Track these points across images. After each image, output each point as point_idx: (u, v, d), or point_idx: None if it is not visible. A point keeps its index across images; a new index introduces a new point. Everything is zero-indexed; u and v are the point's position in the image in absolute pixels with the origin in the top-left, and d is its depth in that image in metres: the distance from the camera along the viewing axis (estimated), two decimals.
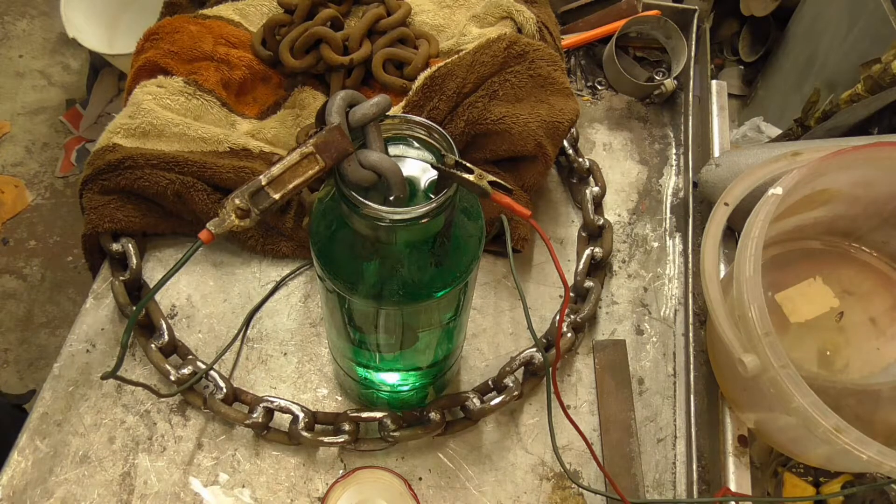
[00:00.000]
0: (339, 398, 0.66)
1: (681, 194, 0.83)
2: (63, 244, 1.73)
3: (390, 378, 0.59)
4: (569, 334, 0.67)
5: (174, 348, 0.66)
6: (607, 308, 0.73)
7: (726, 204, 0.60)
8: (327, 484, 0.61)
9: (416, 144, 0.44)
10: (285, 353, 0.68)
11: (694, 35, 0.94)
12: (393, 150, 0.43)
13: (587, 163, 0.80)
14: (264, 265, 0.73)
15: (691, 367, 0.68)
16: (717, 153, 0.82)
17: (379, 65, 0.81)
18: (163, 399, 0.64)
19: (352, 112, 0.41)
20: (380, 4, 0.84)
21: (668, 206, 0.82)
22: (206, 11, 0.84)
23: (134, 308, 0.67)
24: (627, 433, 0.65)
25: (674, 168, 0.85)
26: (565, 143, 0.81)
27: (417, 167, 0.43)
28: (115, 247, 0.70)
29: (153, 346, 0.64)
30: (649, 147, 0.87)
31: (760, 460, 0.65)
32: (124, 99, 0.76)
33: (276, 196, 0.40)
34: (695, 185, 0.80)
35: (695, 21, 0.95)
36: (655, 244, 0.79)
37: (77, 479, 0.60)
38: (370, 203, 0.38)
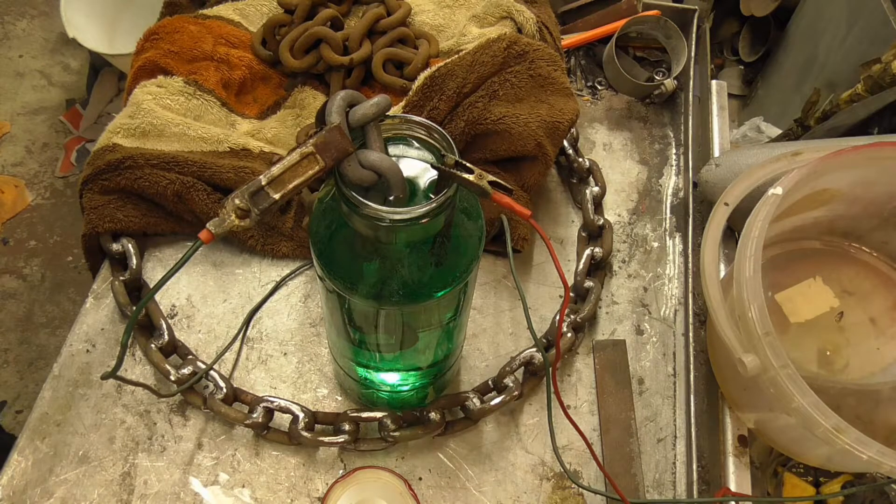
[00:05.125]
0: (339, 398, 0.66)
1: (681, 194, 0.83)
2: (63, 244, 1.73)
3: (390, 378, 0.59)
4: (569, 334, 0.67)
5: (174, 348, 0.66)
6: (607, 308, 0.73)
7: (726, 204, 0.60)
8: (327, 484, 0.61)
9: (416, 144, 0.44)
10: (285, 353, 0.68)
11: (694, 35, 0.94)
12: (393, 150, 0.43)
13: (587, 163, 0.80)
14: (264, 265, 0.73)
15: (691, 367, 0.68)
16: (717, 153, 0.82)
17: (379, 65, 0.81)
18: (163, 399, 0.64)
19: (352, 112, 0.41)
20: (380, 4, 0.84)
21: (668, 206, 0.82)
22: (206, 11, 0.84)
23: (134, 308, 0.67)
24: (627, 433, 0.65)
25: (674, 168, 0.86)
26: (565, 143, 0.81)
27: (417, 167, 0.43)
28: (115, 247, 0.70)
29: (153, 346, 0.64)
30: (649, 147, 0.87)
31: (760, 460, 0.65)
32: (124, 99, 0.76)
33: (276, 196, 0.40)
34: (695, 185, 0.80)
35: (695, 21, 0.95)
36: (655, 244, 0.79)
37: (77, 479, 0.60)
38: (370, 203, 0.38)
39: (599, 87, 0.92)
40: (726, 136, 0.84)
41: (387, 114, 0.42)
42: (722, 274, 0.73)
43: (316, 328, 0.69)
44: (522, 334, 0.70)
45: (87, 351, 0.67)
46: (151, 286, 0.68)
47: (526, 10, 0.81)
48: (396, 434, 0.60)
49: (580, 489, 0.62)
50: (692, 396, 0.66)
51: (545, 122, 0.71)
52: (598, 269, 0.74)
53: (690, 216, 0.79)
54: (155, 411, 0.64)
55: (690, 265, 0.76)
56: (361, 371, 0.58)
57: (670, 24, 0.92)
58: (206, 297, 0.71)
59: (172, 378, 0.63)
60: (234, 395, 0.63)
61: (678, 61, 0.91)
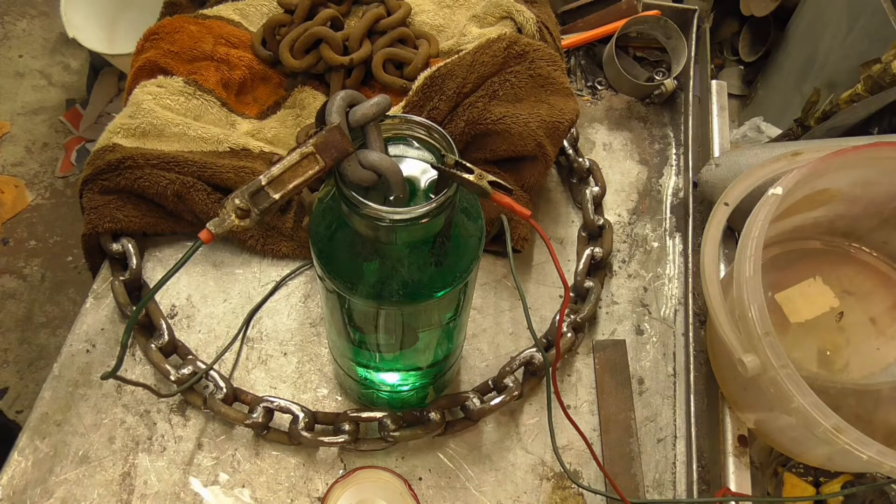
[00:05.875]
0: (339, 398, 0.66)
1: (681, 194, 0.83)
2: (63, 244, 1.73)
3: (390, 378, 0.59)
4: (569, 334, 0.67)
5: (174, 348, 0.66)
6: (607, 308, 0.73)
7: (726, 204, 0.60)
8: (327, 484, 0.61)
9: (416, 144, 0.44)
10: (285, 353, 0.68)
11: (694, 35, 0.94)
12: (393, 150, 0.43)
13: (587, 163, 0.80)
14: (264, 265, 0.73)
15: (691, 367, 0.68)
16: (717, 153, 0.82)
17: (379, 65, 0.81)
18: (163, 399, 0.64)
19: (352, 112, 0.41)
20: (380, 4, 0.84)
21: (668, 206, 0.82)
22: (206, 11, 0.84)
23: (134, 308, 0.67)
24: (627, 433, 0.65)
25: (674, 168, 0.86)
26: (565, 143, 0.81)
27: (417, 167, 0.43)
28: (115, 247, 0.70)
29: (153, 346, 0.64)
30: (649, 147, 0.87)
31: (760, 460, 0.65)
32: (124, 99, 0.76)
33: (276, 196, 0.40)
34: (695, 185, 0.80)
35: (695, 21, 0.95)
36: (655, 244, 0.79)
37: (77, 479, 0.60)
38: (370, 203, 0.38)
39: (599, 87, 0.92)
40: (726, 136, 0.84)
41: (387, 114, 0.42)
42: (722, 274, 0.73)
43: (316, 328, 0.69)
44: (522, 334, 0.70)
45: (87, 351, 0.67)
46: (151, 286, 0.68)
47: (526, 10, 0.81)
48: (396, 434, 0.60)
49: (580, 489, 0.62)
50: (692, 396, 0.66)
51: (545, 122, 0.71)
52: (598, 269, 0.74)
53: (690, 216, 0.79)
54: (155, 411, 0.64)
55: (690, 265, 0.76)
56: (361, 371, 0.58)
57: (670, 24, 0.92)
58: (206, 297, 0.71)
59: (172, 378, 0.63)
60: (234, 395, 0.63)
61: (678, 61, 0.91)
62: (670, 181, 0.84)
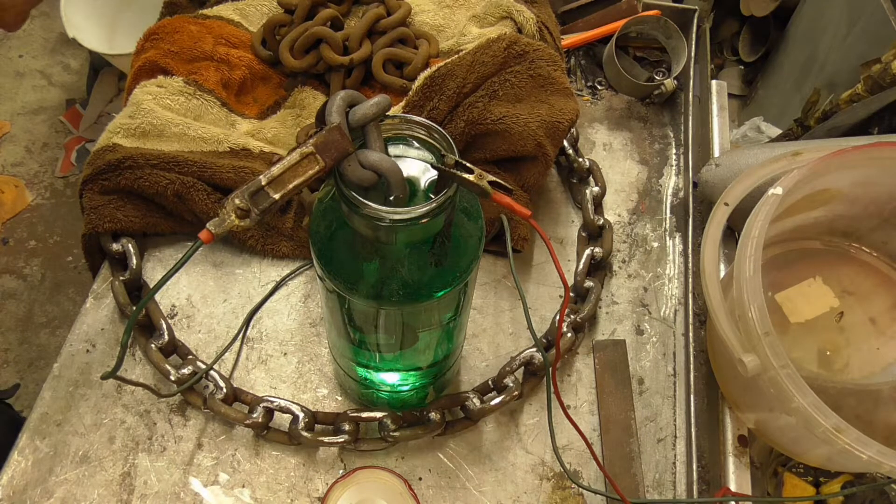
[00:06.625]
0: (339, 398, 0.66)
1: (681, 194, 0.83)
2: (63, 244, 1.73)
3: (390, 378, 0.59)
4: (569, 334, 0.67)
5: (174, 348, 0.66)
6: (607, 308, 0.73)
7: (726, 204, 0.60)
8: (327, 484, 0.61)
9: (416, 144, 0.44)
10: (285, 353, 0.68)
11: (694, 35, 0.94)
12: (393, 150, 0.43)
13: (587, 163, 0.80)
14: (264, 265, 0.73)
15: (691, 367, 0.68)
16: (717, 153, 0.82)
17: (379, 65, 0.81)
18: (163, 399, 0.64)
19: (352, 112, 0.41)
20: (380, 4, 0.84)
21: (668, 206, 0.82)
22: (206, 11, 0.84)
23: (134, 308, 0.67)
24: (627, 433, 0.65)
25: (674, 168, 0.86)
26: (565, 143, 0.81)
27: (417, 167, 0.43)
28: (115, 247, 0.70)
29: (153, 346, 0.64)
30: (649, 147, 0.87)
31: (760, 460, 0.65)
32: (124, 99, 0.76)
33: (276, 196, 0.40)
34: (695, 185, 0.80)
35: (695, 21, 0.95)
36: (655, 244, 0.79)
37: (77, 479, 0.60)
38: (370, 203, 0.38)
39: (599, 87, 0.92)
40: (726, 136, 0.84)
41: (387, 114, 0.42)
42: (722, 274, 0.73)
43: (316, 328, 0.69)
44: (522, 334, 0.70)
45: (87, 351, 0.67)
46: (151, 286, 0.68)
47: (526, 10, 0.81)
48: (396, 434, 0.60)
49: (580, 489, 0.62)
50: (692, 396, 0.66)
51: (545, 122, 0.71)
52: (598, 269, 0.74)
53: (690, 216, 0.79)
54: (155, 411, 0.64)
55: (690, 265, 0.76)
56: (361, 371, 0.58)
57: (670, 24, 0.92)
58: (206, 297, 0.71)
59: (172, 378, 0.63)
60: (234, 395, 0.63)
61: (678, 61, 0.91)
62: (670, 181, 0.84)
